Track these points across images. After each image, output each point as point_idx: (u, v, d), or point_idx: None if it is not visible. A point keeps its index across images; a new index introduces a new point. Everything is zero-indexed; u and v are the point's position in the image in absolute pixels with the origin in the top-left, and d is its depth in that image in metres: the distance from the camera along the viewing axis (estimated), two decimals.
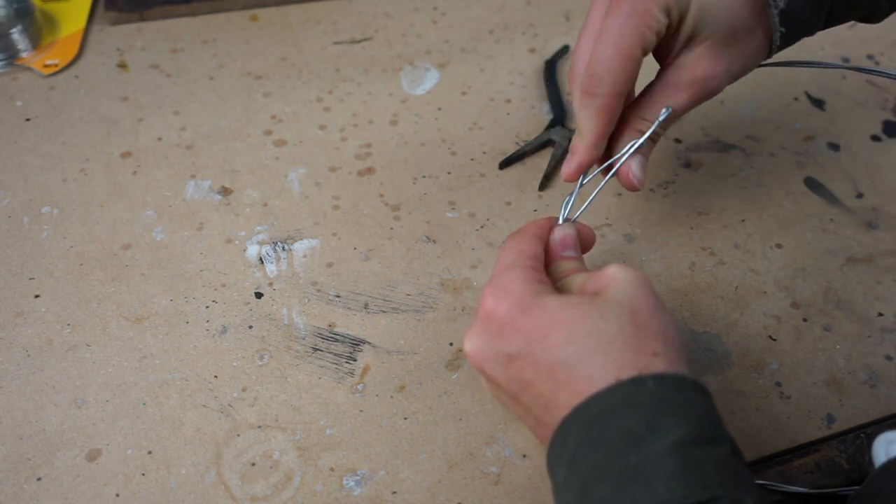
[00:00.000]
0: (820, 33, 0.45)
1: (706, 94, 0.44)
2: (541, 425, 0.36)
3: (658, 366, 0.34)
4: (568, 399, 0.34)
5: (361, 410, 0.45)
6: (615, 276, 0.37)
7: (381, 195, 0.56)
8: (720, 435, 0.33)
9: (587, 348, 0.34)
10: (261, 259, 0.52)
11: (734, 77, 0.44)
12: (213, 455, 0.43)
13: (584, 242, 0.44)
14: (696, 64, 0.43)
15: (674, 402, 0.33)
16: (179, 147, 0.58)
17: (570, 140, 0.47)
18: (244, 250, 0.52)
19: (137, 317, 0.49)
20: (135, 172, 0.57)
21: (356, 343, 0.48)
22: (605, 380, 0.34)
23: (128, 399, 0.45)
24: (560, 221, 0.43)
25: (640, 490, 0.31)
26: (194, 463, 0.43)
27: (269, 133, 0.60)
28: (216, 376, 0.47)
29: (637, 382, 0.33)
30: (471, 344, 0.38)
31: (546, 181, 0.57)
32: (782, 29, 0.42)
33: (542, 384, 0.35)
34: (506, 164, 0.58)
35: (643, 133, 0.44)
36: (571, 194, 0.44)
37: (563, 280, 0.40)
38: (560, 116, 0.60)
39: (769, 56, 0.45)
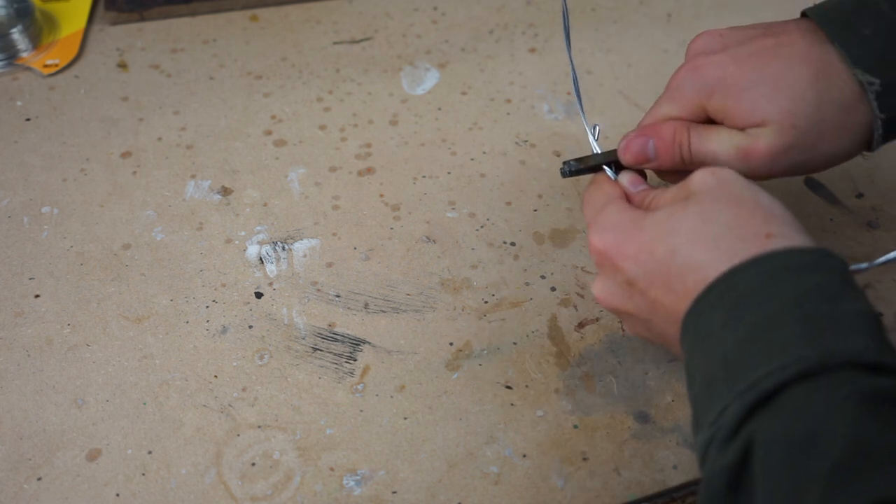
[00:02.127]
0: None
1: (756, 174, 0.42)
2: (676, 342, 0.37)
3: (772, 245, 0.34)
4: (682, 307, 0.36)
5: (361, 410, 0.45)
6: (703, 178, 0.38)
7: (381, 195, 0.56)
8: (886, 325, 0.34)
9: (693, 250, 0.35)
10: (261, 259, 0.52)
11: (808, 170, 0.42)
12: (213, 455, 0.43)
13: (647, 159, 0.44)
14: (757, 147, 0.41)
15: (854, 280, 0.34)
16: (179, 147, 0.58)
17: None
18: (244, 250, 0.53)
19: (137, 317, 0.49)
20: (135, 172, 0.57)
21: (356, 343, 0.48)
22: (718, 270, 0.34)
23: (128, 399, 0.45)
24: (612, 175, 0.45)
25: (832, 337, 0.31)
26: (194, 463, 0.43)
27: (269, 133, 0.60)
28: (216, 376, 0.47)
29: (827, 254, 0.34)
30: (597, 288, 0.41)
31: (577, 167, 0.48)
32: (883, 116, 0.39)
33: (664, 298, 0.37)
34: (572, 173, 0.48)
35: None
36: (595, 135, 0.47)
37: (650, 203, 0.41)
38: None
39: (870, 149, 0.42)
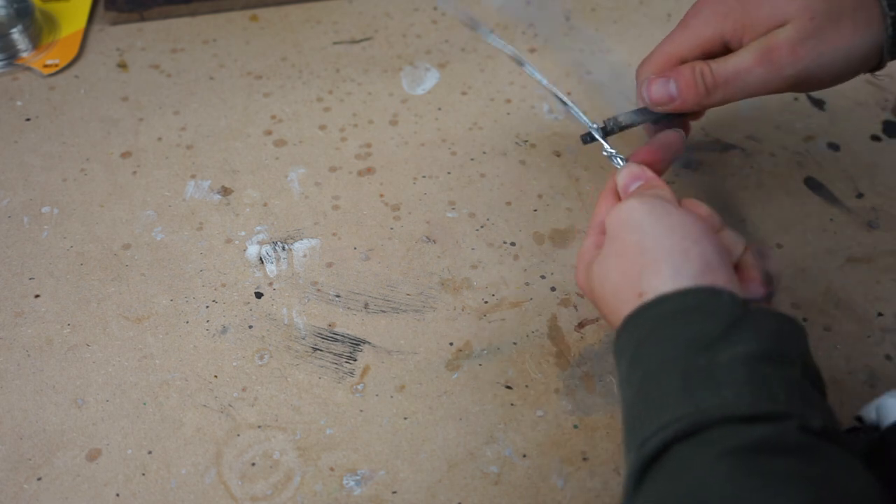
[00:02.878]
0: None
1: (778, 75, 0.42)
2: None
3: (644, 299, 0.35)
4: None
5: (361, 410, 0.45)
6: (607, 223, 0.40)
7: (381, 195, 0.56)
8: (791, 357, 0.34)
9: (603, 304, 0.39)
10: (261, 259, 0.52)
11: (827, 70, 0.42)
12: (213, 455, 0.43)
13: (665, 154, 0.45)
14: (778, 42, 0.41)
15: (742, 316, 0.34)
16: (179, 147, 0.58)
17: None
18: (244, 250, 0.52)
19: (137, 317, 0.49)
20: (135, 172, 0.57)
21: (356, 343, 0.48)
22: (616, 326, 0.37)
23: (128, 399, 0.45)
24: (619, 164, 0.45)
25: (705, 392, 0.32)
26: (194, 463, 0.43)
27: (269, 133, 0.60)
28: (216, 376, 0.47)
29: (715, 293, 0.34)
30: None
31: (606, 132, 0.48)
32: (892, 13, 0.40)
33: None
34: (592, 138, 0.48)
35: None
36: (604, 134, 0.47)
37: None
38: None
39: (881, 62, 0.43)
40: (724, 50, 0.44)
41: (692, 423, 0.31)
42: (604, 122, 0.48)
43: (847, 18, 0.41)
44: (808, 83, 0.43)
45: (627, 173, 0.43)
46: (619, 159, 0.46)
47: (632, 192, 0.43)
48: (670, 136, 0.45)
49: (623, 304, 0.37)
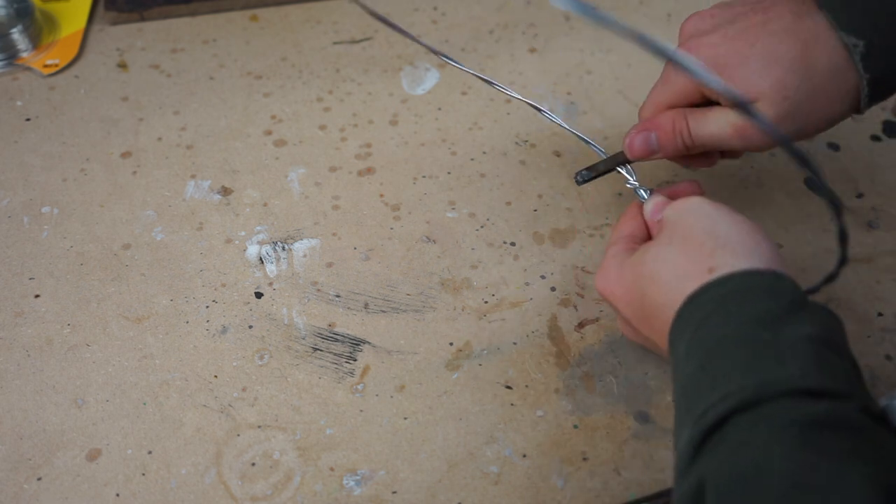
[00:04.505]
0: None
1: (755, 148, 0.44)
2: None
3: (717, 277, 0.36)
4: (665, 342, 0.38)
5: (361, 410, 0.45)
6: (667, 215, 0.41)
7: (381, 195, 0.56)
8: (844, 346, 0.34)
9: (655, 293, 0.38)
10: (261, 259, 0.52)
11: (802, 136, 0.43)
12: (213, 455, 0.43)
13: (687, 195, 0.45)
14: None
15: (803, 301, 0.35)
16: (179, 147, 0.58)
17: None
18: (244, 250, 0.52)
19: (137, 317, 0.49)
20: (135, 172, 0.57)
21: (356, 343, 0.48)
22: (675, 308, 0.37)
23: (128, 399, 0.45)
24: (644, 196, 0.46)
25: (772, 365, 0.32)
26: (194, 463, 0.43)
27: (269, 133, 0.60)
28: (216, 376, 0.47)
29: (779, 276, 0.35)
30: (618, 322, 0.46)
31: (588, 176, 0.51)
32: (868, 76, 0.40)
33: (651, 334, 0.40)
34: (585, 179, 0.51)
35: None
36: (630, 172, 0.48)
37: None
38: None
39: (860, 111, 0.43)
40: (705, 100, 0.45)
41: (756, 394, 0.31)
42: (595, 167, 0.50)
43: (823, 94, 0.41)
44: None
45: (659, 203, 0.45)
46: (643, 191, 0.47)
47: (658, 222, 0.44)
48: (690, 186, 0.46)
49: (686, 281, 0.37)
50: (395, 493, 0.42)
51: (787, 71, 0.40)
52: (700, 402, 0.33)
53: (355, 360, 0.47)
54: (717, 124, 0.43)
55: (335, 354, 0.48)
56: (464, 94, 0.63)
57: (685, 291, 0.36)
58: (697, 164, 0.48)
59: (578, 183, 0.51)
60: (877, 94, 0.42)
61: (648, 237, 0.45)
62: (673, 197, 0.45)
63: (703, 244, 0.37)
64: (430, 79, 0.64)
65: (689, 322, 0.36)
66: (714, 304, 0.35)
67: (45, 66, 0.63)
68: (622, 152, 0.47)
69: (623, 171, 0.48)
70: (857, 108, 0.43)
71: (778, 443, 0.30)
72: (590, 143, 0.50)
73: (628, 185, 0.48)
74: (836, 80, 0.41)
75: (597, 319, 0.49)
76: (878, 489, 0.28)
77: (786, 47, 0.41)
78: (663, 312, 0.38)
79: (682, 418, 0.34)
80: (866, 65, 0.40)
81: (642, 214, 0.46)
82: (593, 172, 0.50)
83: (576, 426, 0.45)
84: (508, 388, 0.46)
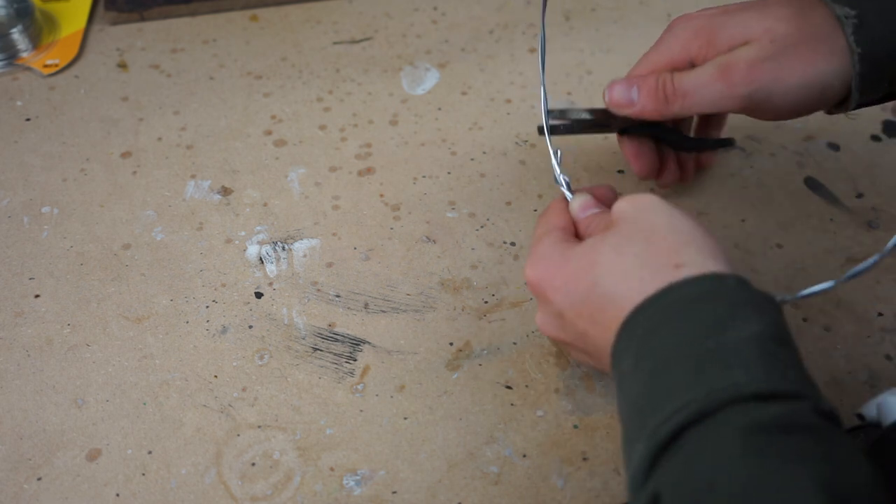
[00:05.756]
0: None
1: (733, 93, 0.43)
2: (606, 367, 0.38)
3: (684, 274, 0.35)
4: (608, 338, 0.36)
5: (361, 410, 0.45)
6: (622, 207, 0.39)
7: (381, 195, 0.56)
8: (790, 336, 0.34)
9: (609, 283, 0.37)
10: (261, 259, 0.52)
11: (783, 96, 0.43)
12: (213, 455, 0.43)
13: (607, 201, 0.45)
14: (736, 59, 0.42)
15: (748, 299, 0.34)
16: (179, 147, 0.58)
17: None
18: (244, 250, 0.53)
19: (137, 317, 0.49)
20: (135, 172, 0.57)
21: (356, 343, 0.48)
22: (633, 302, 0.35)
23: (128, 399, 0.45)
24: (569, 195, 0.45)
25: (717, 372, 0.31)
26: (194, 463, 0.43)
27: (269, 133, 0.60)
28: (216, 376, 0.47)
29: (718, 278, 0.34)
30: (537, 318, 0.42)
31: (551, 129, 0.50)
32: (859, 50, 0.41)
33: (591, 329, 0.38)
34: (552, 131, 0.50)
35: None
36: (556, 162, 0.47)
37: (590, 231, 0.42)
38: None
39: (847, 98, 0.43)
40: (692, 67, 0.45)
41: (705, 405, 0.31)
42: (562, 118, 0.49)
43: (807, 46, 0.42)
44: (765, 106, 0.43)
45: (588, 200, 0.44)
46: (565, 183, 0.46)
47: (585, 218, 0.44)
48: (608, 190, 0.46)
49: (651, 274, 0.35)
50: (395, 493, 0.42)
51: (779, 20, 0.42)
52: (651, 417, 0.32)
53: (355, 360, 0.47)
54: (702, 71, 0.43)
55: (335, 354, 0.48)
56: (464, 94, 0.63)
57: (647, 284, 0.35)
58: (668, 177, 0.50)
59: (541, 133, 0.49)
60: (869, 79, 0.42)
61: (576, 233, 0.44)
62: (596, 198, 0.45)
63: (666, 239, 0.37)
64: (430, 79, 0.64)
65: (633, 335, 0.35)
66: (659, 315, 0.34)
67: (45, 66, 0.63)
68: (599, 109, 0.47)
69: (556, 167, 0.47)
70: (846, 95, 0.43)
71: (729, 452, 0.29)
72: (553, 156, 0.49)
73: (555, 178, 0.47)
74: (823, 42, 0.42)
75: None
76: (832, 491, 0.27)
77: (780, 7, 0.43)
78: (615, 304, 0.36)
79: (632, 433, 0.34)
80: (858, 37, 0.41)
81: (568, 211, 0.45)
82: (561, 121, 0.48)
83: (576, 426, 0.45)
84: (508, 388, 0.47)
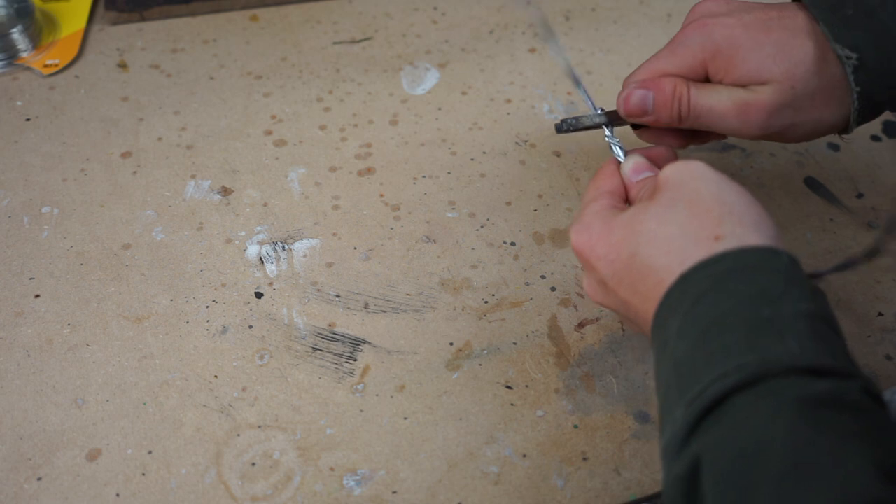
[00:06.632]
0: None
1: (749, 129, 0.43)
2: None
3: (722, 247, 0.35)
4: (648, 308, 0.36)
5: (361, 410, 0.45)
6: (668, 174, 0.39)
7: (381, 195, 0.56)
8: (838, 325, 0.34)
9: (650, 253, 0.36)
10: (261, 259, 0.52)
11: (794, 134, 0.44)
12: (213, 455, 0.43)
13: (663, 162, 0.44)
14: (756, 102, 0.42)
15: (801, 278, 0.34)
16: (179, 147, 0.58)
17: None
18: (244, 250, 0.53)
19: (137, 317, 0.49)
20: (135, 172, 0.57)
21: (356, 343, 0.48)
22: (673, 273, 0.35)
23: (128, 399, 0.45)
24: (622, 157, 0.45)
25: (772, 342, 0.31)
26: (194, 463, 0.43)
27: (269, 133, 0.60)
28: (216, 376, 0.47)
29: (774, 252, 0.34)
30: (584, 283, 0.42)
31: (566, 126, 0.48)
32: (858, 88, 0.42)
33: (632, 299, 0.38)
34: (568, 129, 0.48)
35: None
36: (609, 135, 0.46)
37: (641, 196, 0.42)
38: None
39: (847, 128, 0.44)
40: (705, 78, 0.45)
41: (756, 372, 0.31)
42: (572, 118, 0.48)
43: (822, 94, 0.42)
44: (773, 138, 0.45)
45: (641, 163, 0.44)
46: (619, 148, 0.45)
47: (637, 182, 0.43)
48: (666, 151, 0.46)
49: (691, 245, 0.35)
50: (395, 493, 0.42)
51: (799, 63, 0.42)
52: (695, 381, 0.32)
53: (355, 360, 0.48)
54: (719, 98, 0.43)
55: (335, 354, 0.48)
56: (464, 94, 0.63)
57: (687, 256, 0.35)
58: (675, 143, 0.48)
59: (558, 131, 0.47)
60: (865, 111, 0.43)
61: (626, 197, 0.43)
62: (650, 159, 0.44)
63: (710, 210, 0.36)
64: (430, 79, 0.64)
65: (682, 300, 0.35)
66: (710, 281, 0.34)
67: (45, 66, 0.63)
68: (611, 111, 0.47)
69: (606, 130, 0.46)
70: (846, 127, 0.44)
71: (780, 420, 0.29)
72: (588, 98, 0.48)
73: (606, 139, 0.46)
74: (835, 87, 0.42)
75: (597, 319, 0.49)
76: (879, 470, 0.27)
77: (800, 43, 0.42)
78: (655, 274, 0.36)
79: (671, 399, 0.33)
80: (857, 77, 0.42)
81: (620, 173, 0.44)
82: (578, 124, 0.47)
83: (576, 426, 0.45)
84: (508, 388, 0.47)
